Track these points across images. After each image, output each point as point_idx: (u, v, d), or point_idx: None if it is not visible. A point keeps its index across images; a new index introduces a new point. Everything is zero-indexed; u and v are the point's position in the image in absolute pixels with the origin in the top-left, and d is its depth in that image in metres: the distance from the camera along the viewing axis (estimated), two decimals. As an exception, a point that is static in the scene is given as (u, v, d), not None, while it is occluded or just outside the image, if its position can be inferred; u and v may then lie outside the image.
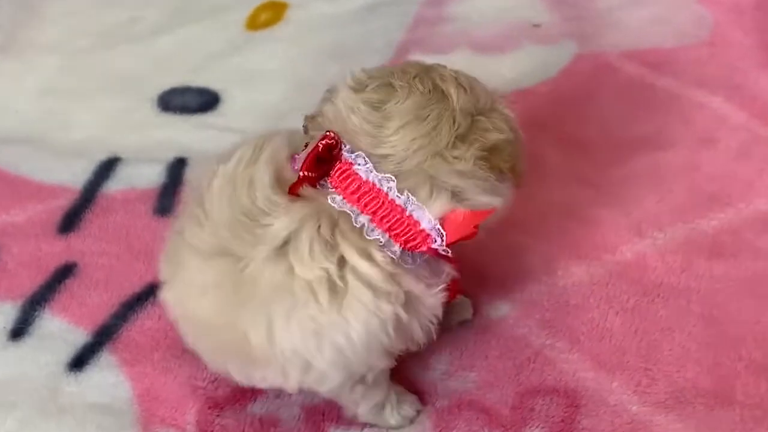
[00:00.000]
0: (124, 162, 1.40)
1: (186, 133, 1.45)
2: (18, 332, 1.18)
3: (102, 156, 1.41)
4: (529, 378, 1.06)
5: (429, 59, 0.96)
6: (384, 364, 0.94)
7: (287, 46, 1.61)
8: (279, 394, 1.08)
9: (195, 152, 1.40)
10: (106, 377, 1.12)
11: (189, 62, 1.60)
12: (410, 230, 0.87)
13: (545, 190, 1.28)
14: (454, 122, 0.87)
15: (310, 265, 0.85)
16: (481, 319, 1.14)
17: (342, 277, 0.86)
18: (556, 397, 1.04)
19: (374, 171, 0.87)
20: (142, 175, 1.37)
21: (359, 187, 0.87)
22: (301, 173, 0.88)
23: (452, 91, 0.88)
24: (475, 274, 1.17)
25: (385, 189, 0.86)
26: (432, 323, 0.92)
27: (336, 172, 0.88)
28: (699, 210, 1.23)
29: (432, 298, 0.91)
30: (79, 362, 1.14)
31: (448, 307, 1.00)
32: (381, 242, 0.87)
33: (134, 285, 1.22)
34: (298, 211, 0.87)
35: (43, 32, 1.71)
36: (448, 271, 0.93)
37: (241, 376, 0.96)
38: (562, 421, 1.02)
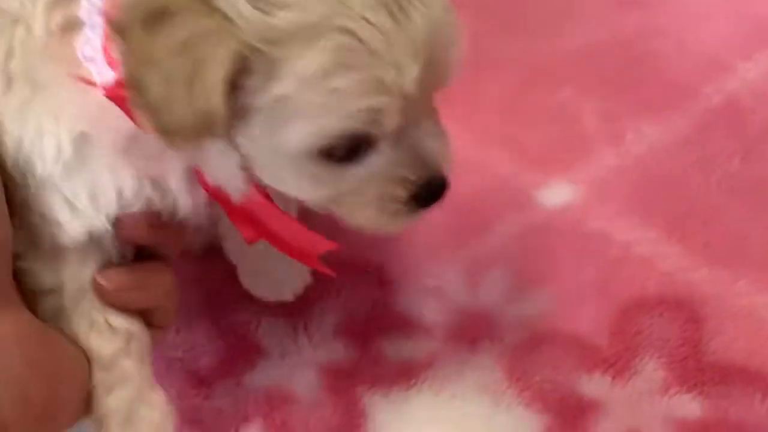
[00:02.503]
0: None
1: None
2: None
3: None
4: (624, 290, 0.78)
5: None
6: None
7: None
8: (284, 353, 0.78)
9: None
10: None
11: None
12: None
13: (581, 26, 0.97)
14: None
15: None
16: (535, 211, 0.84)
17: None
18: (668, 312, 0.77)
19: None
20: None
21: None
22: None
23: None
24: (517, 146, 0.88)
25: None
26: None
27: None
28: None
29: None
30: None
31: None
32: None
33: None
34: None
35: None
36: None
37: None
38: (683, 344, 0.74)
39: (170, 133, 0.49)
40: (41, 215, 0.59)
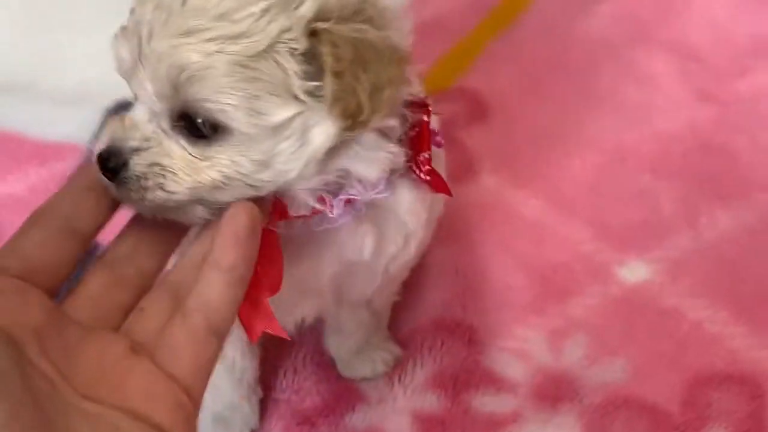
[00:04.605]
0: (138, 107, 1.14)
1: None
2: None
3: (109, 101, 1.15)
4: (694, 363, 0.86)
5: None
6: None
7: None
8: (382, 398, 0.87)
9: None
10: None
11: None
12: None
13: (662, 115, 1.06)
14: None
15: None
16: (614, 285, 0.93)
17: None
18: (734, 386, 0.84)
19: None
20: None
21: None
22: None
23: None
24: (600, 224, 0.96)
25: None
26: None
27: None
28: None
29: None
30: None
31: None
32: None
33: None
34: None
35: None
36: None
37: None
38: (749, 417, 0.82)
39: None
40: None
